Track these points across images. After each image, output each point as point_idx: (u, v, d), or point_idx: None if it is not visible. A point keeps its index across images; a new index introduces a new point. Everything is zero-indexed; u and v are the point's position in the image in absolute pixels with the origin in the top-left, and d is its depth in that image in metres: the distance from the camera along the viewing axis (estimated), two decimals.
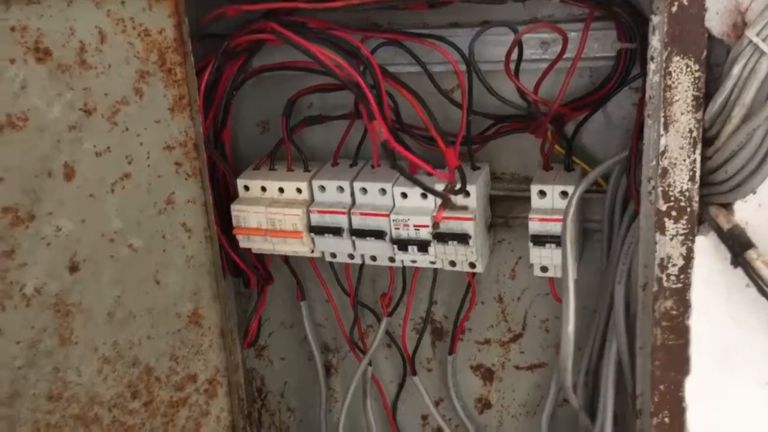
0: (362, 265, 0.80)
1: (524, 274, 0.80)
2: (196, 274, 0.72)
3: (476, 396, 0.86)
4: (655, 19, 0.53)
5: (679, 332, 0.58)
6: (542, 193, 0.69)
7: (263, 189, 0.77)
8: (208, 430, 0.75)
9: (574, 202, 0.62)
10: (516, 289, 0.81)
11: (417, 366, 0.86)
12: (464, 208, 0.69)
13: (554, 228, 0.67)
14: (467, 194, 0.69)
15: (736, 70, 0.50)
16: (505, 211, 0.76)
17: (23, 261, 0.58)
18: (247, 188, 0.78)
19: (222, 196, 0.80)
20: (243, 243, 0.78)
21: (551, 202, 0.68)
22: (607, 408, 0.69)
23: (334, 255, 0.78)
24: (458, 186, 0.65)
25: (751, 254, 0.52)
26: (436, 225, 0.68)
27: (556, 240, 0.67)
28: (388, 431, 0.90)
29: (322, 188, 0.75)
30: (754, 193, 0.53)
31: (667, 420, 0.60)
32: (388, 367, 0.88)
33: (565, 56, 0.65)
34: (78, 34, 0.60)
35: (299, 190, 0.76)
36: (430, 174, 0.65)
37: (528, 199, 0.70)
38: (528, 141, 0.74)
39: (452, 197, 0.66)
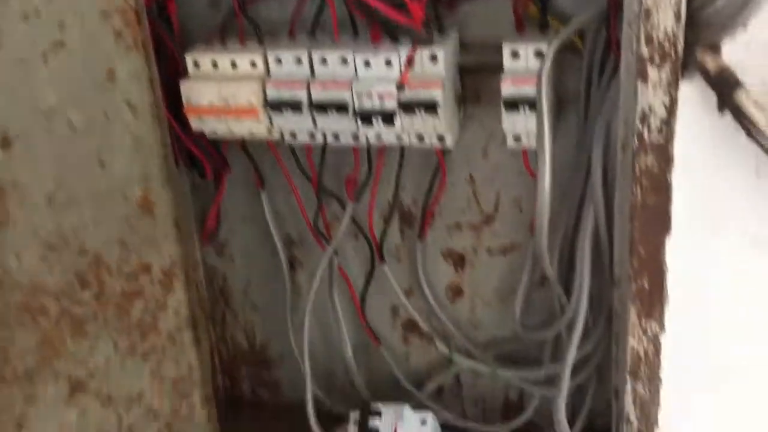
0: (324, 147, 0.75)
1: (496, 153, 0.75)
2: (144, 156, 0.67)
3: (447, 283, 0.83)
4: None
5: (661, 189, 0.54)
6: (515, 54, 0.64)
7: (215, 65, 0.71)
8: (167, 325, 0.71)
9: (550, 55, 0.57)
10: (487, 168, 0.77)
11: (386, 255, 0.82)
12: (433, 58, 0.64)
13: (528, 91, 0.62)
14: (435, 60, 0.64)
15: None
16: (475, 84, 0.71)
17: None
18: (197, 64, 0.72)
19: (170, 76, 0.74)
20: (195, 124, 0.73)
21: (525, 63, 0.64)
22: (584, 279, 0.67)
23: (293, 135, 0.73)
24: (426, 35, 0.60)
25: (739, 95, 0.48)
26: (401, 87, 0.63)
27: (531, 103, 0.63)
28: (357, 326, 0.87)
29: (279, 60, 0.70)
30: (745, 28, 0.49)
31: (646, 285, 0.57)
32: (356, 259, 0.85)
33: None
34: None
35: (254, 64, 0.70)
36: (397, 25, 0.59)
37: (500, 69, 0.66)
38: (500, 6, 0.68)
39: (420, 52, 0.60)
